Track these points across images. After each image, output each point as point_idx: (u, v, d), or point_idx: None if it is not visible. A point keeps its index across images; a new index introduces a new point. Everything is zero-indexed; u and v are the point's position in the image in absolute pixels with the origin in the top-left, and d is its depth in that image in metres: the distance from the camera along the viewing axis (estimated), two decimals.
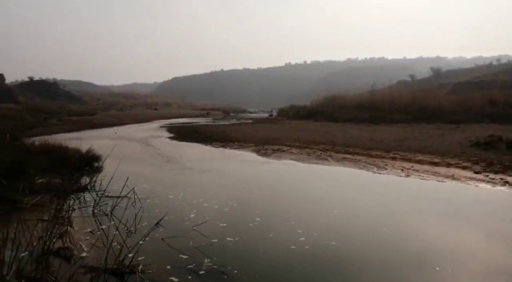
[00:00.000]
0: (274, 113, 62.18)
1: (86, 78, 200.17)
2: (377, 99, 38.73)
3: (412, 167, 12.34)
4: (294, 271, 4.97)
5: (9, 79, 72.53)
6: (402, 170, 11.88)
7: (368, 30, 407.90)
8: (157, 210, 7.57)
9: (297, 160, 14.58)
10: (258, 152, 17.14)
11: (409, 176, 11.10)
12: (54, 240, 4.95)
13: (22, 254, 4.42)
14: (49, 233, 4.77)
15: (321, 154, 15.79)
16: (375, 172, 11.86)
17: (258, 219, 7.17)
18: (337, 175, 12.01)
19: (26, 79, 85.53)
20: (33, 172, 9.41)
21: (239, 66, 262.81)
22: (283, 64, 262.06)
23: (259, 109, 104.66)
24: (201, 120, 52.67)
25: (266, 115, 64.71)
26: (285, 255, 5.48)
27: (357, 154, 15.39)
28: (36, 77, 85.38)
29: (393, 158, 14.09)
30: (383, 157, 14.36)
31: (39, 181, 9.09)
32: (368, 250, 5.72)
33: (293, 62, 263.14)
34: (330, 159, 14.47)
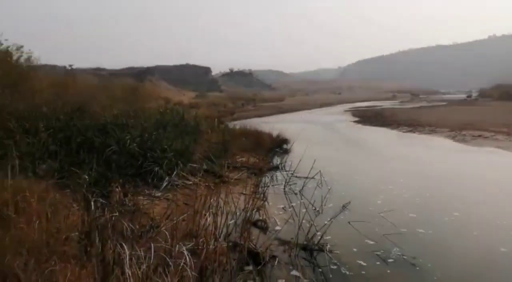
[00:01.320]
0: (474, 95, 54.34)
1: (276, 67, 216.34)
2: None
3: None
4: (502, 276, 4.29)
5: (214, 71, 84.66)
6: None
7: None
8: (343, 193, 7.64)
9: (504, 148, 12.41)
10: (453, 137, 15.34)
11: None
12: (253, 212, 5.56)
13: (230, 222, 5.13)
14: (249, 205, 5.38)
15: None
16: None
17: (456, 213, 6.44)
18: None
19: (227, 70, 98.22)
20: (235, 151, 10.77)
21: (432, 43, 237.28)
22: (485, 36, 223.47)
23: (455, 90, 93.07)
24: (386, 104, 50.27)
25: (463, 96, 57.14)
26: (492, 258, 4.77)
27: None
28: (235, 69, 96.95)
29: None
30: None
31: (240, 159, 10.32)
32: None
33: (499, 34, 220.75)
34: None
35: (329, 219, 5.39)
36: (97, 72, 47.90)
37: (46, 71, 14.19)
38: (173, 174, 7.54)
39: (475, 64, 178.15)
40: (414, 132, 17.96)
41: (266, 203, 7.05)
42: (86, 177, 4.49)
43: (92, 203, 3.67)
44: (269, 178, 9.12)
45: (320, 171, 8.39)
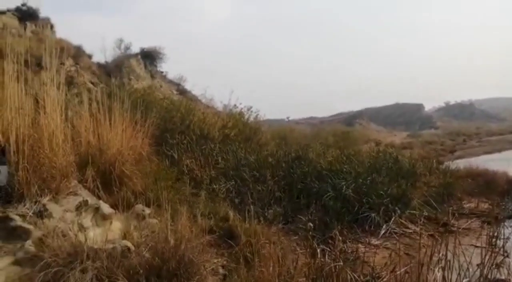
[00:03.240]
0: None
1: (503, 93, 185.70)
2: None
3: None
4: None
5: (427, 106, 79.25)
6: None
7: None
8: None
9: None
10: None
11: None
12: (491, 269, 4.73)
13: (463, 280, 4.50)
14: (486, 261, 4.61)
15: None
16: None
17: None
18: None
19: (442, 104, 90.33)
20: (460, 196, 9.57)
21: None
22: None
23: None
24: None
25: None
26: None
27: None
28: (452, 101, 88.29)
29: None
30: None
31: (467, 205, 9.10)
32: None
33: None
34: None
35: None
36: (310, 121, 51.86)
37: (269, 125, 16.24)
38: (391, 221, 7.24)
39: None
40: None
41: (507, 258, 5.90)
42: (311, 224, 4.82)
43: (318, 251, 3.87)
44: (509, 227, 7.64)
45: None
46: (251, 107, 12.54)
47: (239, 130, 10.62)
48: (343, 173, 8.89)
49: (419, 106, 70.67)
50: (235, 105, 12.49)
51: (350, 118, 54.10)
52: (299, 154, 9.75)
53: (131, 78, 22.03)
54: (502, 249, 6.08)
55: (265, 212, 6.92)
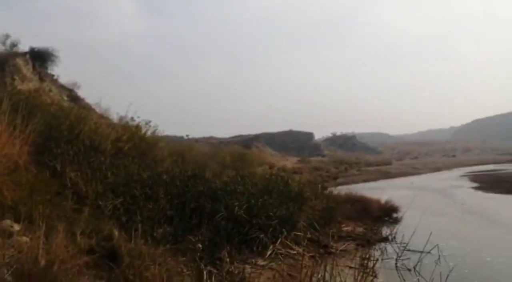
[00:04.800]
0: None
1: (381, 130, 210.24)
2: None
3: None
4: None
5: (317, 136, 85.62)
6: None
7: None
8: (466, 270, 6.75)
9: None
10: None
11: None
12: None
13: None
14: (357, 281, 5.05)
15: None
16: None
17: None
18: None
19: (329, 135, 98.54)
20: (340, 220, 10.38)
21: None
22: None
23: None
24: (510, 167, 44.46)
25: None
26: None
27: None
28: (338, 133, 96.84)
29: None
30: None
31: (345, 228, 9.90)
32: None
33: None
34: None
35: None
36: (209, 140, 52.00)
37: (167, 141, 15.80)
38: (277, 242, 7.51)
39: None
40: None
41: (376, 279, 6.53)
42: (200, 245, 4.74)
43: (205, 272, 3.81)
44: (379, 250, 8.51)
45: (437, 245, 7.59)
46: (149, 121, 12.08)
47: (134, 144, 10.09)
48: (237, 193, 9.03)
49: (310, 135, 75.99)
50: (132, 117, 11.90)
51: (248, 141, 55.68)
52: (195, 173, 9.65)
53: (15, 79, 19.74)
54: (372, 270, 6.75)
55: (154, 232, 6.65)
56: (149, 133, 11.86)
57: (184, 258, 5.48)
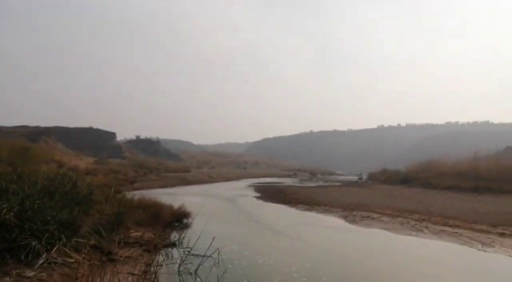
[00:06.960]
0: (364, 177, 59.92)
1: (186, 138, 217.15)
2: (481, 167, 35.05)
3: None
4: None
5: (119, 137, 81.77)
6: None
7: (470, 93, 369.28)
8: (240, 272, 7.50)
9: (388, 230, 13.56)
10: (345, 218, 16.38)
11: None
12: None
13: None
14: None
15: (416, 224, 14.52)
16: (479, 249, 10.49)
17: None
18: (436, 251, 10.81)
19: (133, 137, 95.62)
20: (129, 225, 10.08)
21: (329, 128, 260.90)
22: (375, 126, 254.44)
23: (348, 172, 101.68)
24: (287, 181, 52.70)
25: (355, 178, 62.60)
26: None
27: (458, 226, 13.84)
28: (143, 136, 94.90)
29: (502, 234, 12.39)
30: (489, 232, 12.70)
31: (134, 234, 9.66)
32: None
33: (386, 125, 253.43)
34: (426, 231, 13.20)
35: None
36: None
37: None
38: (53, 250, 6.72)
39: (365, 149, 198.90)
40: (311, 211, 18.84)
41: None
42: None
43: None
44: (164, 255, 8.61)
45: (218, 249, 8.20)
46: None
47: None
48: (9, 193, 7.74)
49: (112, 135, 72.07)
50: None
51: (36, 134, 48.63)
52: None
53: None
54: (154, 275, 6.76)
55: None
56: None
57: None
